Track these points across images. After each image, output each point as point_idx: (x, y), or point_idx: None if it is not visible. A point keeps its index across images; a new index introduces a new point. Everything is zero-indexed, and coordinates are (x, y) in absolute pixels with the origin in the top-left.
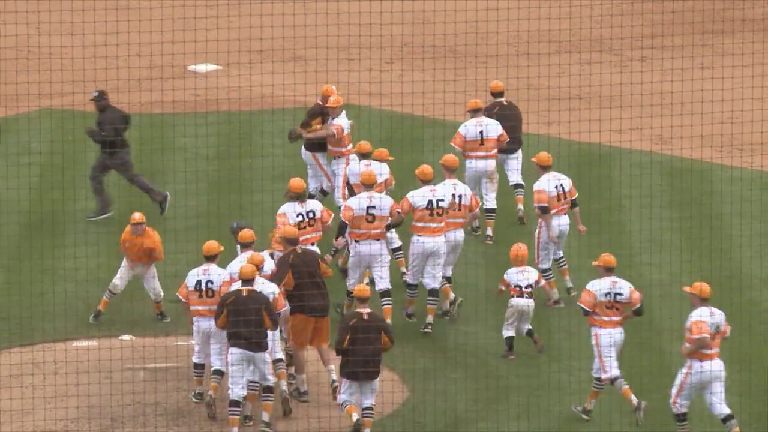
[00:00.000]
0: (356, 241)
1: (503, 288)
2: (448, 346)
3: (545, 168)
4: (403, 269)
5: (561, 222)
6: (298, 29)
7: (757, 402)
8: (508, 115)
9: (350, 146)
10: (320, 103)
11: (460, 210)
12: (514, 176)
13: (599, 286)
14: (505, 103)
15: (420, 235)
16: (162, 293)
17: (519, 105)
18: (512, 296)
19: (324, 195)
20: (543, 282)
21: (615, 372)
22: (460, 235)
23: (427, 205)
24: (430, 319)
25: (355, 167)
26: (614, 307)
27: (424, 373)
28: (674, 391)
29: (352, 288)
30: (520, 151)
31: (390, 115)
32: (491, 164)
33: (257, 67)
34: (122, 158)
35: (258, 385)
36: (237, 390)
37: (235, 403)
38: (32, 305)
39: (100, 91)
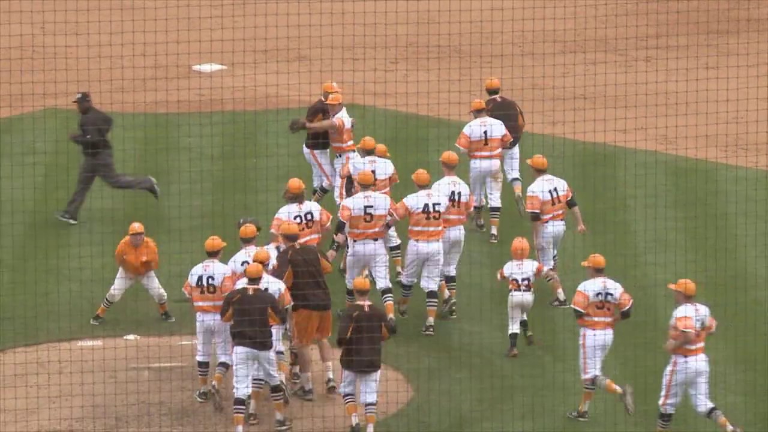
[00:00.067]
0: (354, 241)
1: (500, 277)
2: (453, 345)
3: (540, 171)
4: (399, 269)
5: (556, 225)
6: (303, 29)
7: (761, 402)
8: (502, 113)
9: (350, 143)
10: (322, 99)
11: (459, 208)
12: (513, 173)
13: (591, 287)
14: (499, 99)
15: (417, 240)
16: (165, 294)
17: (524, 105)
18: (510, 290)
19: (324, 192)
20: (545, 269)
21: (594, 372)
22: (459, 232)
23: (423, 208)
24: (430, 320)
25: (358, 164)
26: (605, 307)
27: (429, 373)
28: (663, 391)
29: (351, 286)
30: (517, 148)
31: (395, 115)
32: (496, 164)
33: (262, 66)
34: (104, 160)
35: (263, 382)
36: (242, 389)
37: (239, 402)
38: (37, 305)
39: (83, 93)
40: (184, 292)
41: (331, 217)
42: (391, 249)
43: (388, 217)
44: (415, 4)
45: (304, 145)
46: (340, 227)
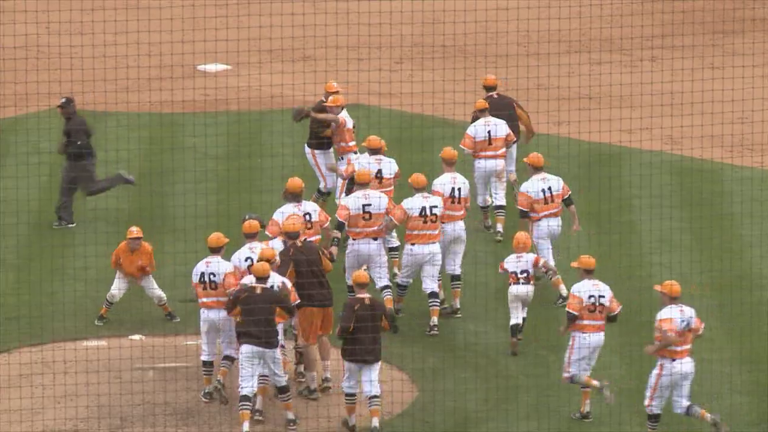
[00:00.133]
0: (354, 240)
1: (501, 270)
2: (458, 345)
3: (537, 169)
4: (397, 270)
5: (551, 224)
6: (307, 29)
7: (765, 402)
8: (499, 113)
9: (353, 143)
10: (323, 100)
11: (459, 203)
12: (509, 167)
13: (583, 289)
14: (496, 96)
15: (413, 243)
16: (164, 296)
17: (528, 105)
18: (510, 283)
19: (320, 195)
20: (542, 261)
21: (573, 371)
22: (459, 227)
23: (420, 212)
24: (435, 320)
25: (364, 163)
26: (596, 310)
27: (434, 373)
28: (648, 393)
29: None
30: (515, 147)
31: (400, 115)
32: (500, 164)
33: (267, 66)
34: (87, 167)
35: (268, 378)
36: (247, 387)
37: (245, 398)
38: (42, 305)
39: (68, 98)
40: (194, 291)
41: (330, 218)
42: (390, 250)
43: (387, 218)
44: (421, 4)
45: (305, 145)
46: (339, 227)
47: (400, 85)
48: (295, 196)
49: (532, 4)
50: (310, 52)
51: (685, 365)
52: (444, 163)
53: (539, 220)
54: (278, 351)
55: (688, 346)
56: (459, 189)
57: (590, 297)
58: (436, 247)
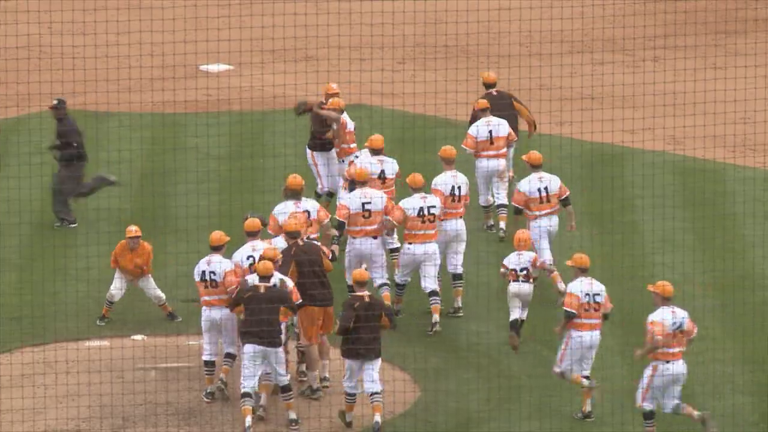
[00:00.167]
0: (353, 238)
1: (502, 270)
2: (460, 345)
3: (535, 168)
4: (397, 271)
5: (550, 223)
6: (309, 29)
7: (767, 402)
8: (498, 105)
9: (354, 145)
10: (323, 102)
11: (459, 201)
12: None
13: (580, 288)
14: (495, 93)
15: (411, 243)
16: (163, 296)
17: (531, 105)
18: (509, 281)
19: (318, 197)
20: (540, 262)
21: (565, 367)
22: (460, 224)
23: (418, 212)
24: (436, 317)
25: (366, 163)
26: (592, 308)
27: (436, 373)
28: (640, 393)
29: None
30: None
31: (402, 115)
32: (502, 163)
33: (269, 67)
34: (77, 172)
35: (270, 376)
36: (249, 385)
37: (246, 395)
38: (44, 305)
39: (60, 100)
40: (196, 290)
41: (329, 215)
42: (391, 251)
43: (386, 217)
44: (422, 4)
45: (306, 147)
46: (339, 227)
47: (402, 86)
48: (295, 194)
49: (534, 4)
50: (312, 52)
51: (679, 367)
52: (443, 162)
53: (534, 219)
54: (281, 350)
55: (681, 348)
56: (459, 187)
57: (586, 295)
58: (433, 247)
